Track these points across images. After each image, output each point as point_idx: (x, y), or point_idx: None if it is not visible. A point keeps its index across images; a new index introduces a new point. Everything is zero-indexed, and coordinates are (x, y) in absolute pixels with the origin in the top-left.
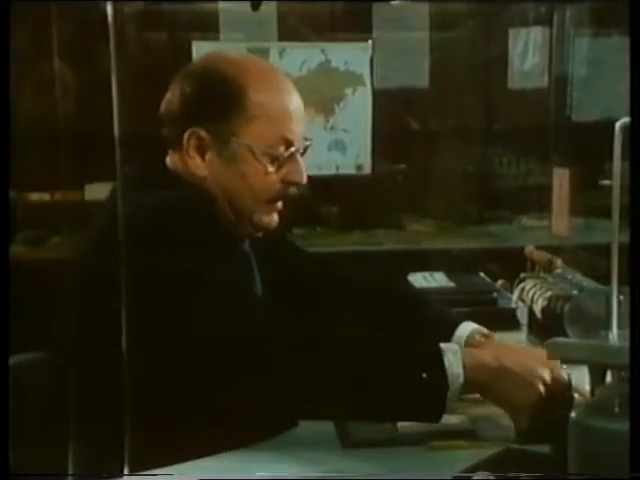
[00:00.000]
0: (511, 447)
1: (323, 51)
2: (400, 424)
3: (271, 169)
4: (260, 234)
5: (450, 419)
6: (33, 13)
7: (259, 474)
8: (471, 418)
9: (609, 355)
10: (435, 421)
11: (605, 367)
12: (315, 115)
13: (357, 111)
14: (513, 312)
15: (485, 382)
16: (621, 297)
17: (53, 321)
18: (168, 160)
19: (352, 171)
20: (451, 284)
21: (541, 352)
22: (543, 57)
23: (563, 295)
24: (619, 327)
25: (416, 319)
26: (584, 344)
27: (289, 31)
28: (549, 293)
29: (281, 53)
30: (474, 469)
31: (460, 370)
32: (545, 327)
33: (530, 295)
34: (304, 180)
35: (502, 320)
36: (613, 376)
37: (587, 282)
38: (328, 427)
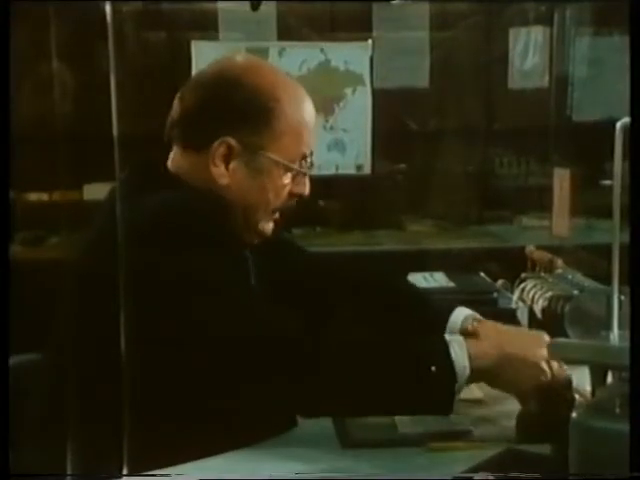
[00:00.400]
0: (511, 448)
1: (323, 51)
2: (400, 425)
3: (287, 182)
4: (258, 241)
5: (450, 420)
6: (31, 13)
7: (259, 474)
8: (471, 419)
9: (610, 355)
10: (447, 413)
11: (606, 368)
12: (315, 115)
13: (357, 111)
14: (513, 312)
15: (490, 370)
16: (622, 297)
17: (52, 321)
18: (171, 161)
19: (352, 171)
20: (451, 284)
21: (537, 333)
22: (543, 57)
23: (564, 295)
24: (620, 327)
25: (413, 310)
26: (585, 344)
27: (289, 31)
28: (549, 293)
29: (280, 53)
30: (474, 470)
31: (466, 362)
32: (546, 327)
33: (530, 295)
34: (308, 192)
35: (502, 320)
36: (614, 377)
37: (588, 282)
38: (328, 427)
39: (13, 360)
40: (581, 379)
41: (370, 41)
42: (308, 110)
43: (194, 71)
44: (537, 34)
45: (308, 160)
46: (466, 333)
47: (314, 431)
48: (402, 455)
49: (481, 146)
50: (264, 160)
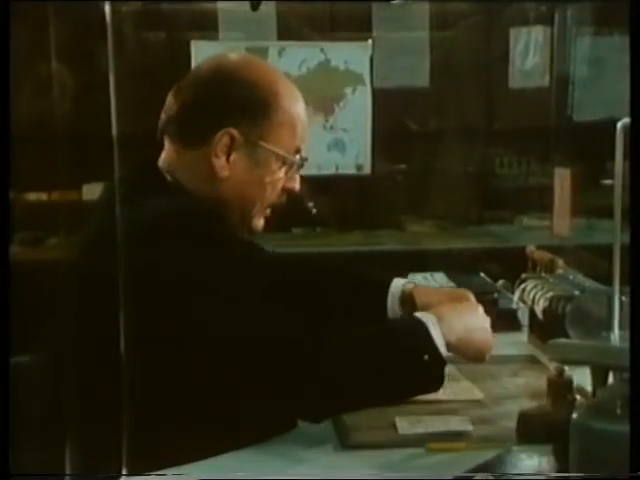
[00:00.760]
0: (511, 449)
1: (322, 50)
2: (400, 425)
3: (282, 176)
4: (250, 237)
5: (449, 420)
6: (31, 13)
7: (259, 474)
8: (471, 420)
9: (611, 356)
10: (437, 390)
11: (607, 368)
12: (315, 115)
13: (357, 111)
14: (514, 313)
15: (458, 342)
16: (623, 298)
17: (51, 322)
18: (164, 160)
19: (352, 171)
20: (451, 284)
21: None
22: (544, 56)
23: (564, 296)
24: (621, 328)
25: (358, 291)
26: (586, 345)
27: (288, 31)
28: (550, 294)
29: (280, 52)
30: (475, 471)
31: (442, 339)
32: (546, 328)
33: (531, 296)
34: (298, 188)
35: (503, 321)
36: (615, 377)
37: (589, 283)
38: (328, 427)
39: (13, 360)
40: (582, 380)
41: (370, 41)
42: (302, 106)
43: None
44: (538, 34)
45: (302, 155)
46: (405, 297)
47: (314, 431)
48: (402, 456)
49: (481, 146)
50: (263, 151)
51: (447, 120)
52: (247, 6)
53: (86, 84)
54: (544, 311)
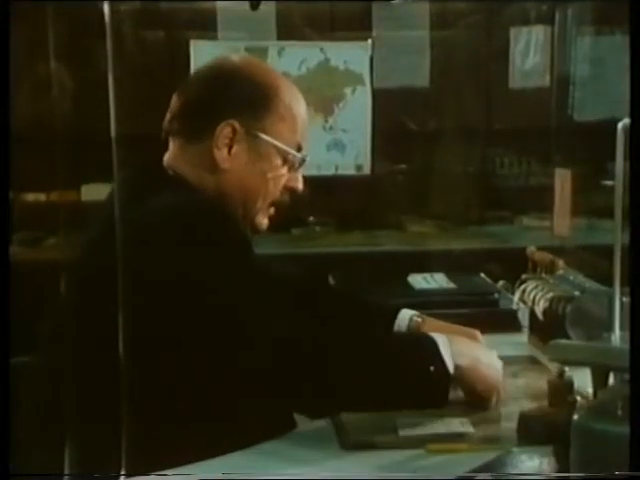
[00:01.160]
0: (512, 450)
1: (322, 50)
2: (400, 427)
3: (283, 172)
4: (253, 236)
5: (450, 422)
6: (30, 13)
7: (259, 474)
8: (471, 421)
9: (611, 357)
10: (441, 407)
11: (607, 369)
12: (314, 115)
13: (357, 111)
14: (514, 313)
15: (465, 369)
16: (624, 299)
17: (51, 322)
18: (169, 158)
19: (352, 171)
20: (452, 285)
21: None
22: (545, 56)
23: (565, 296)
24: (621, 329)
25: (363, 321)
26: (586, 346)
27: (288, 30)
28: (551, 294)
29: (280, 52)
30: (475, 472)
31: (451, 359)
32: (547, 329)
33: (531, 296)
34: (301, 187)
35: (503, 321)
36: (616, 378)
37: (589, 283)
38: (328, 428)
39: (13, 360)
40: (582, 381)
41: (370, 40)
42: (302, 105)
43: (193, 71)
44: (538, 33)
45: (302, 153)
46: (412, 329)
47: (314, 432)
48: (402, 457)
49: (482, 146)
50: (264, 144)
51: (447, 120)
52: (246, 6)
53: (85, 84)
54: (544, 312)
